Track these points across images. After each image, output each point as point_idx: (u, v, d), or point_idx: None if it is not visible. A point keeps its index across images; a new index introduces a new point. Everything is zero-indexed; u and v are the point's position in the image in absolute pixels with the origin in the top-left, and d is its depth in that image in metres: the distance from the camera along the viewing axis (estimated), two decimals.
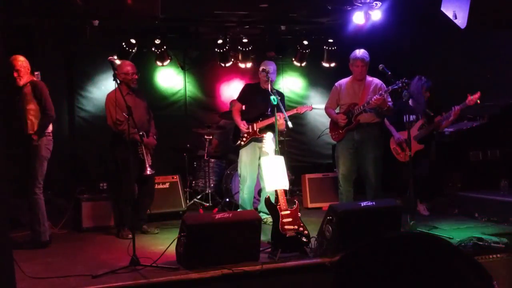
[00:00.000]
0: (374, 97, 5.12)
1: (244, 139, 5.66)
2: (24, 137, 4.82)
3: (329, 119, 5.66)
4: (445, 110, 5.81)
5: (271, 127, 5.54)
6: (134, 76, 5.34)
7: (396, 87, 5.00)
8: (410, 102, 5.60)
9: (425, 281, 0.75)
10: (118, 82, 4.93)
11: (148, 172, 5.18)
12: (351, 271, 0.81)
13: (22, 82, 4.82)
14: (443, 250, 0.80)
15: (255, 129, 5.64)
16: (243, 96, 5.85)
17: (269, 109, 5.58)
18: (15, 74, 4.79)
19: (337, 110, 5.66)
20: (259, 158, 5.64)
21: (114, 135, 5.29)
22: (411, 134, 5.70)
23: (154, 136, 5.49)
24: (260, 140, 5.62)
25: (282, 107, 5.06)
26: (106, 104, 5.37)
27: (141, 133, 5.17)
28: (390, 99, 5.31)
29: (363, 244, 0.84)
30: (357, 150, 5.37)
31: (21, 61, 4.83)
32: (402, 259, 0.77)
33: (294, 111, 5.60)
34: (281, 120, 5.27)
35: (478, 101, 5.40)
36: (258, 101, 5.65)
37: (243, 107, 5.84)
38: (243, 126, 5.65)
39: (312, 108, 5.83)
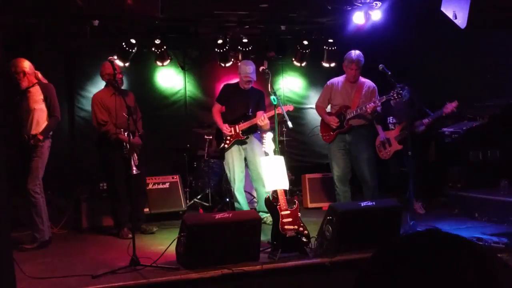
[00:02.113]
0: (369, 105, 5.13)
1: (228, 141, 5.60)
2: (23, 137, 4.82)
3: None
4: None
5: (253, 128, 5.53)
6: (119, 76, 5.32)
7: (390, 97, 5.04)
8: (393, 104, 5.91)
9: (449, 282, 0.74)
10: (114, 82, 4.96)
11: (134, 172, 5.15)
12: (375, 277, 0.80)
13: (25, 84, 4.82)
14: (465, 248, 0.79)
15: (237, 131, 5.58)
16: (223, 96, 5.76)
17: (250, 110, 5.56)
18: (18, 76, 4.78)
19: (328, 109, 5.67)
20: (245, 159, 5.64)
21: (99, 135, 5.32)
22: (393, 135, 5.90)
23: (140, 135, 5.43)
24: (243, 142, 5.60)
25: (282, 107, 5.05)
26: (91, 105, 5.41)
27: (126, 134, 5.15)
28: (379, 104, 5.36)
29: (383, 248, 0.83)
30: (349, 151, 5.38)
31: (26, 63, 4.83)
32: (426, 259, 0.77)
33: (273, 112, 5.53)
34: (266, 120, 5.27)
35: (455, 110, 5.45)
36: (238, 102, 5.60)
37: (223, 108, 5.76)
38: (226, 129, 5.57)
39: (293, 108, 5.73)
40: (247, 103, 5.56)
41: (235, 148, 5.62)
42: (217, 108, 5.74)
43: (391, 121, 6.16)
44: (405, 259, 0.77)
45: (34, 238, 4.79)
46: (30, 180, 4.75)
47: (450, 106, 5.49)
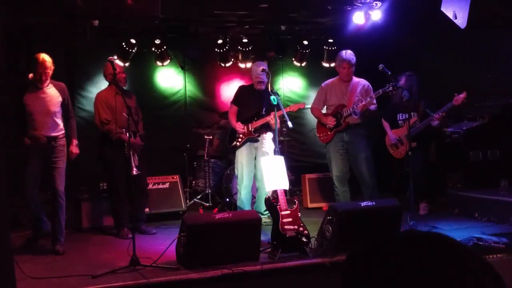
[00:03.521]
0: (358, 104, 5.16)
1: (240, 139, 5.67)
2: (41, 138, 4.65)
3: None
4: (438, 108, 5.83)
5: (265, 126, 5.56)
6: (122, 75, 5.32)
7: (387, 90, 5.03)
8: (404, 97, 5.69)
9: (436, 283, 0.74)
10: (115, 81, 4.96)
11: (134, 172, 5.15)
12: (359, 272, 0.81)
13: (47, 84, 4.67)
14: (456, 250, 0.79)
15: (250, 129, 5.64)
16: (238, 98, 5.85)
17: (264, 109, 5.61)
18: (43, 77, 4.60)
19: (323, 111, 5.68)
20: (255, 158, 5.67)
21: (102, 135, 5.33)
22: (403, 132, 5.78)
23: (140, 136, 5.44)
24: (255, 140, 5.64)
25: (282, 107, 5.08)
26: (95, 104, 5.41)
27: (127, 134, 5.15)
28: (374, 102, 5.37)
29: (370, 244, 0.84)
30: (347, 151, 5.39)
31: (50, 62, 4.64)
32: (411, 259, 0.77)
33: (286, 110, 5.57)
34: (274, 119, 5.30)
35: (465, 100, 5.33)
36: (253, 102, 5.67)
37: (238, 108, 5.83)
38: (239, 127, 5.64)
39: (305, 105, 5.83)
40: (260, 103, 5.62)
41: (246, 146, 5.66)
42: (232, 110, 5.82)
43: (401, 118, 5.96)
44: (376, 264, 0.78)
45: (58, 240, 4.64)
46: (60, 182, 4.65)
47: (460, 98, 5.32)
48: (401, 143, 5.84)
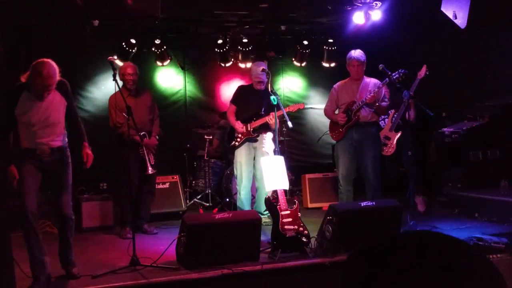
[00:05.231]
0: (371, 94, 5.18)
1: (239, 139, 5.67)
2: (44, 150, 3.80)
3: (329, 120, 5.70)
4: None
5: (264, 126, 5.57)
6: (130, 77, 5.34)
7: (394, 77, 5.05)
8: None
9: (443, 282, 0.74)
10: (119, 83, 4.90)
11: (150, 172, 5.22)
12: (360, 272, 0.82)
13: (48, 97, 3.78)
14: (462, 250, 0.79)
15: (249, 129, 5.65)
16: (237, 97, 5.85)
17: (263, 109, 5.61)
18: (45, 93, 3.69)
19: (336, 112, 5.70)
20: (254, 158, 5.67)
21: (119, 135, 5.35)
22: (387, 129, 5.93)
23: (157, 136, 5.53)
24: (254, 140, 5.64)
25: (282, 107, 5.09)
26: (108, 107, 5.47)
27: (141, 134, 5.18)
28: (387, 99, 5.38)
29: (371, 244, 0.84)
30: (356, 150, 5.40)
31: (57, 73, 3.73)
32: (418, 258, 0.77)
33: (286, 110, 5.58)
34: (274, 119, 5.31)
35: (427, 72, 5.50)
36: (252, 102, 5.69)
37: (237, 108, 5.83)
38: (238, 125, 5.65)
39: (304, 106, 5.87)
40: (260, 103, 5.63)
41: (245, 146, 5.66)
42: (231, 109, 5.82)
43: (381, 118, 6.13)
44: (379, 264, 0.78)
45: (70, 261, 3.87)
46: (68, 201, 3.86)
47: (422, 72, 5.52)
48: (387, 139, 6.00)
